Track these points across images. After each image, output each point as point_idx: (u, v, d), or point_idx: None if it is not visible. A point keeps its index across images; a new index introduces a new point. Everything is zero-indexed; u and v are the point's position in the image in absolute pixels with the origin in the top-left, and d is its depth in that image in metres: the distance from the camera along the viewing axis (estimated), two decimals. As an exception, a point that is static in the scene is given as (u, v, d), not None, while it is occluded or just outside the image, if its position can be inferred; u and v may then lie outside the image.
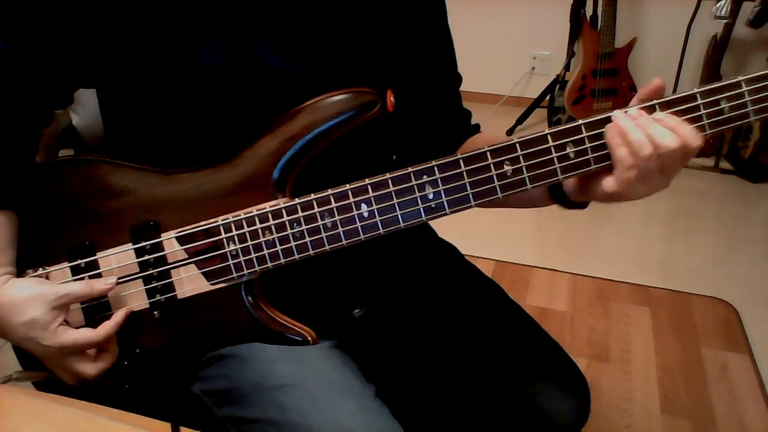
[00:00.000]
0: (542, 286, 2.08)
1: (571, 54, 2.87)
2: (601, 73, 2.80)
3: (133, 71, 0.71)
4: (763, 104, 0.63)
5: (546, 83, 2.98)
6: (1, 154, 0.69)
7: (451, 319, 0.89)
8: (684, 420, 1.57)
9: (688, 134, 0.62)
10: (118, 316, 0.71)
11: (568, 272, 2.14)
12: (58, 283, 0.71)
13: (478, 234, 2.07)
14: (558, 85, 2.90)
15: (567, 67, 2.87)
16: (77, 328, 0.70)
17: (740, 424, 1.56)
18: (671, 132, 0.62)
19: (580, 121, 0.65)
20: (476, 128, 0.94)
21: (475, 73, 3.26)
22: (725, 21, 2.52)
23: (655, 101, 0.64)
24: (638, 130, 0.62)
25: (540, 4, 3.11)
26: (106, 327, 0.70)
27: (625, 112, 0.64)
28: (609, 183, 0.66)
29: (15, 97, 0.70)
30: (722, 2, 2.50)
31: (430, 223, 0.98)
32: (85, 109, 0.93)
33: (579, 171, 0.66)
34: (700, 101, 0.63)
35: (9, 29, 0.69)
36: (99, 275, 0.72)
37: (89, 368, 0.70)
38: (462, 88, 0.93)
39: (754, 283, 2.09)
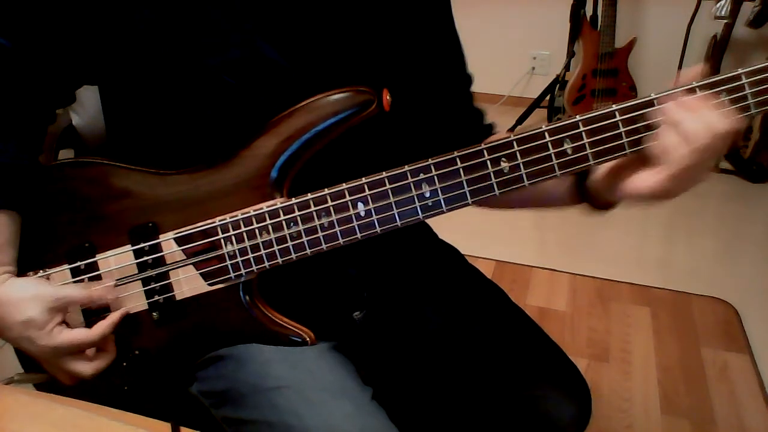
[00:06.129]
0: (542, 286, 2.08)
1: (571, 54, 2.86)
2: (601, 73, 2.80)
3: (135, 68, 0.71)
4: (764, 97, 0.62)
5: (546, 83, 2.98)
6: (3, 153, 0.69)
7: (452, 322, 0.88)
8: (684, 420, 1.57)
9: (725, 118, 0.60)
10: (113, 317, 0.71)
11: (568, 272, 2.14)
12: (58, 284, 0.71)
13: (478, 234, 2.07)
14: (558, 85, 2.90)
15: (567, 67, 2.87)
16: (74, 328, 0.70)
17: (740, 424, 1.55)
18: (718, 115, 0.60)
19: (578, 117, 0.64)
20: (489, 129, 0.92)
21: (475, 73, 3.25)
22: (725, 21, 2.52)
23: (654, 95, 0.63)
24: (695, 119, 0.60)
25: (540, 4, 3.11)
26: (102, 327, 0.70)
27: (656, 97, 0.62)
28: (651, 179, 0.63)
29: (18, 94, 0.71)
30: (722, 2, 2.50)
31: (431, 223, 0.98)
32: (85, 109, 0.93)
33: (576, 167, 0.65)
34: (699, 95, 0.62)
35: (12, 27, 0.69)
36: (98, 277, 0.72)
37: (86, 368, 0.70)
38: (464, 88, 0.92)
39: (754, 283, 2.09)
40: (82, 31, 0.70)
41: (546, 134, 0.65)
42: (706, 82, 0.62)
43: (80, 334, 0.69)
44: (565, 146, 0.65)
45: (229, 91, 0.70)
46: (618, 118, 0.63)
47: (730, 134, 0.60)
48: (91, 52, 0.71)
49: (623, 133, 0.64)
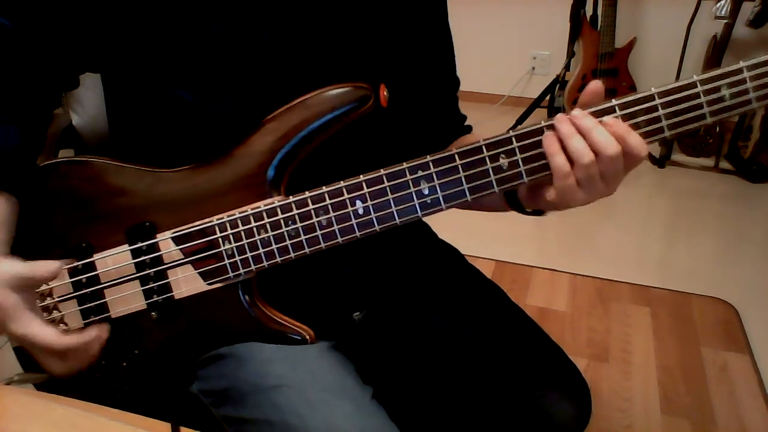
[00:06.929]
0: (542, 286, 2.08)
1: (571, 54, 2.86)
2: (601, 73, 2.79)
3: (135, 55, 0.71)
4: (766, 90, 0.62)
5: (546, 83, 2.97)
6: (3, 134, 0.69)
7: (452, 322, 0.88)
8: (684, 420, 1.57)
9: (635, 143, 0.61)
10: (87, 335, 0.67)
11: (568, 272, 2.13)
12: (16, 263, 0.66)
13: (478, 234, 2.06)
14: (558, 85, 2.90)
15: (567, 67, 2.87)
16: (68, 329, 0.69)
17: (740, 424, 1.55)
18: (614, 140, 0.61)
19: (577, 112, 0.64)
20: (468, 129, 0.93)
21: (475, 73, 3.27)
22: (725, 21, 2.52)
23: (654, 89, 0.62)
24: (578, 137, 0.61)
25: (540, 4, 3.11)
26: (71, 339, 0.66)
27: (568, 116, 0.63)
28: (550, 192, 0.66)
29: (20, 76, 0.70)
30: (722, 2, 2.49)
31: (430, 223, 0.97)
32: (85, 109, 0.93)
33: None
34: (699, 88, 0.62)
35: (13, 8, 0.69)
36: (96, 277, 0.72)
37: (57, 367, 0.67)
38: (462, 88, 0.93)
39: (754, 283, 2.08)
40: (83, 14, 0.69)
41: (545, 130, 0.65)
42: (665, 88, 0.62)
43: (48, 336, 0.64)
44: None
45: (227, 85, 0.70)
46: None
47: (623, 158, 0.61)
48: (92, 37, 0.71)
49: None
